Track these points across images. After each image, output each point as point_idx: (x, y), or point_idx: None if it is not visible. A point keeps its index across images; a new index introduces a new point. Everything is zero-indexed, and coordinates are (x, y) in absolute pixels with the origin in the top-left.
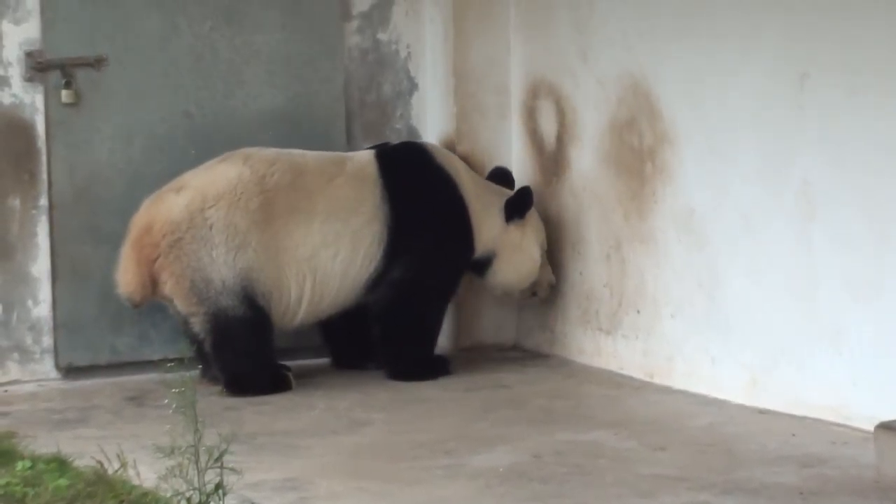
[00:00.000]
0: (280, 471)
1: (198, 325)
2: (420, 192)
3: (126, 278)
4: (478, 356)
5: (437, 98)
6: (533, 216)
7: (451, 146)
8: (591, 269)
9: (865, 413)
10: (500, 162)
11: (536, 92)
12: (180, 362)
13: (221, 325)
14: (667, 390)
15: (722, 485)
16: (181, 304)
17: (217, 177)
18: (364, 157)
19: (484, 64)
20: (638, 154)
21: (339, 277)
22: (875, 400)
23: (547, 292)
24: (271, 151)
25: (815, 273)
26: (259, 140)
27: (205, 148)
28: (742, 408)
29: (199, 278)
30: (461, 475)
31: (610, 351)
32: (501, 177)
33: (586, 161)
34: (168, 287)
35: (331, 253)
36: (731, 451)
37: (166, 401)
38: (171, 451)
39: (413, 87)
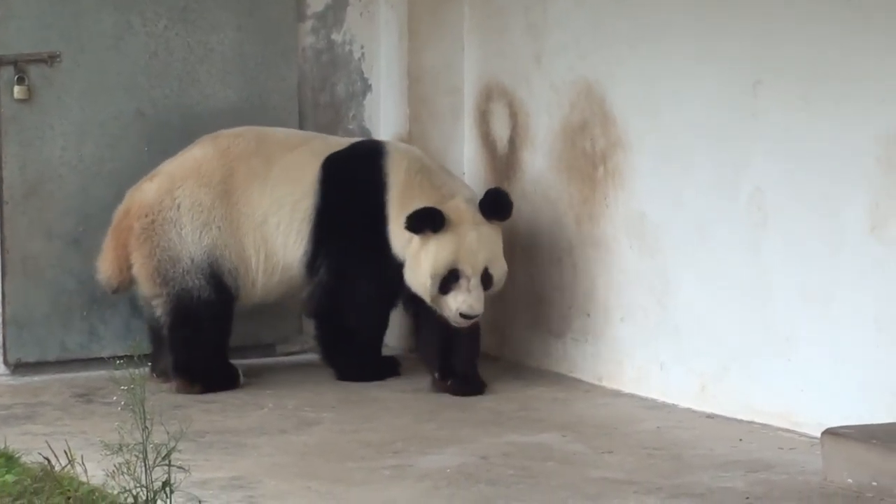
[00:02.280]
0: (228, 469)
1: (160, 307)
2: (344, 188)
3: (104, 264)
4: None
5: (390, 99)
6: (445, 239)
7: None
8: (542, 273)
9: (813, 419)
10: (452, 164)
11: (490, 95)
12: (130, 360)
13: (184, 306)
14: (616, 394)
15: (669, 489)
16: (146, 286)
17: (186, 159)
18: (332, 141)
19: (438, 66)
20: (590, 158)
21: (282, 249)
22: (822, 406)
23: (460, 322)
24: (244, 128)
25: (766, 280)
26: None
27: (158, 146)
28: (691, 412)
29: (167, 258)
30: (409, 476)
31: (559, 354)
32: (490, 200)
33: (538, 165)
34: (136, 269)
35: (275, 221)
36: (679, 456)
37: (115, 398)
38: (119, 449)
39: (366, 88)
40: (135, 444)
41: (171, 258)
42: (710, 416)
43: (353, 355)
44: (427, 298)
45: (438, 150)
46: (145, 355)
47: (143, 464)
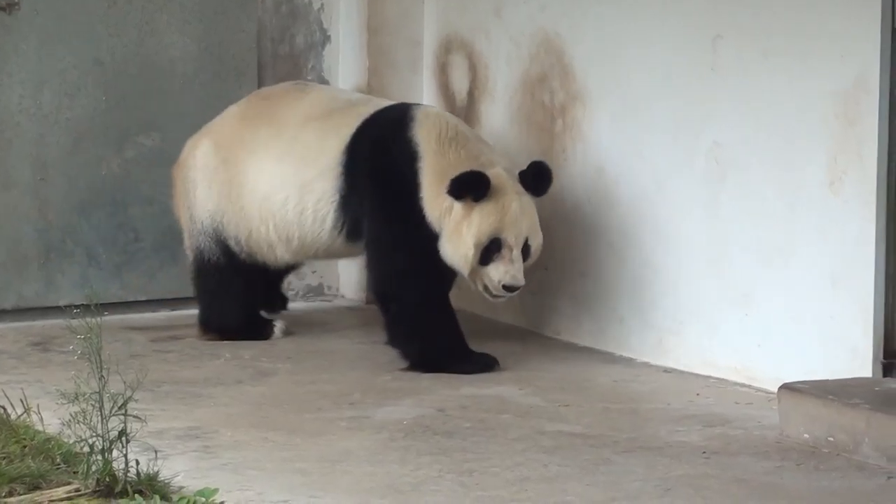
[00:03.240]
0: (184, 419)
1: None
2: (372, 161)
3: (177, 210)
4: None
5: (349, 51)
6: (489, 207)
7: None
8: None
9: (770, 374)
10: None
11: (449, 47)
12: (86, 309)
13: (198, 264)
14: (573, 347)
15: (625, 443)
16: (185, 239)
17: (222, 115)
18: (359, 112)
19: (397, 18)
20: (549, 111)
21: (297, 225)
22: (779, 361)
23: (502, 294)
24: (297, 86)
25: (724, 235)
26: (168, 89)
27: (116, 95)
28: (648, 366)
29: (189, 216)
30: (365, 427)
31: (517, 308)
32: (534, 172)
33: (497, 117)
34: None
35: (281, 198)
36: (636, 410)
37: (71, 347)
38: (75, 398)
39: (326, 39)
40: (91, 394)
41: (191, 216)
42: (668, 371)
43: (417, 338)
44: (466, 270)
45: (397, 101)
46: (102, 304)
47: (99, 413)
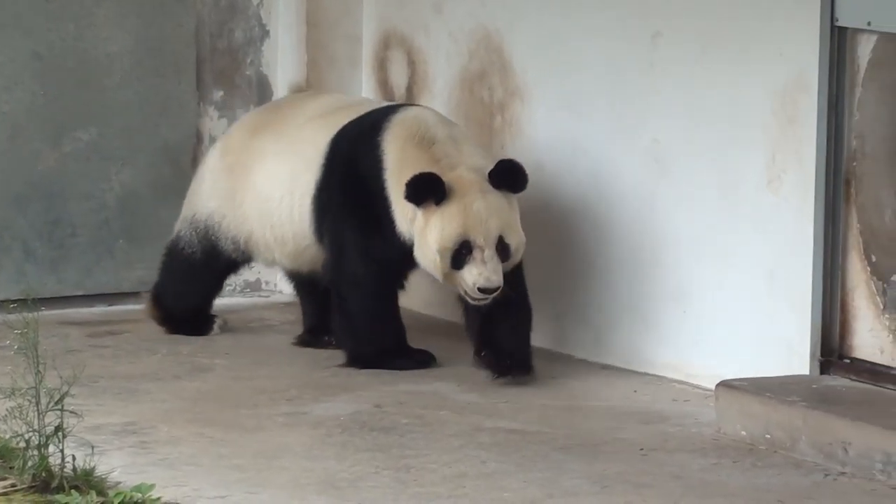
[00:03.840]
0: (121, 415)
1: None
2: (343, 165)
3: None
4: None
5: (288, 46)
6: (450, 209)
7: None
8: None
9: (707, 371)
10: None
11: (388, 42)
12: (23, 303)
13: (173, 247)
14: None
15: (563, 439)
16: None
17: (239, 119)
18: (355, 112)
19: (336, 13)
20: (488, 108)
21: (290, 223)
22: (717, 359)
23: (480, 297)
24: (308, 93)
25: (662, 232)
26: (106, 84)
27: (53, 89)
28: (585, 363)
29: (187, 200)
30: (302, 423)
31: (456, 304)
32: (501, 170)
33: None
34: None
35: (277, 196)
36: (574, 407)
37: (8, 342)
38: (11, 393)
39: (265, 34)
40: (27, 389)
41: (189, 202)
42: (605, 368)
43: (359, 340)
44: (439, 276)
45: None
46: (38, 299)
47: (35, 408)
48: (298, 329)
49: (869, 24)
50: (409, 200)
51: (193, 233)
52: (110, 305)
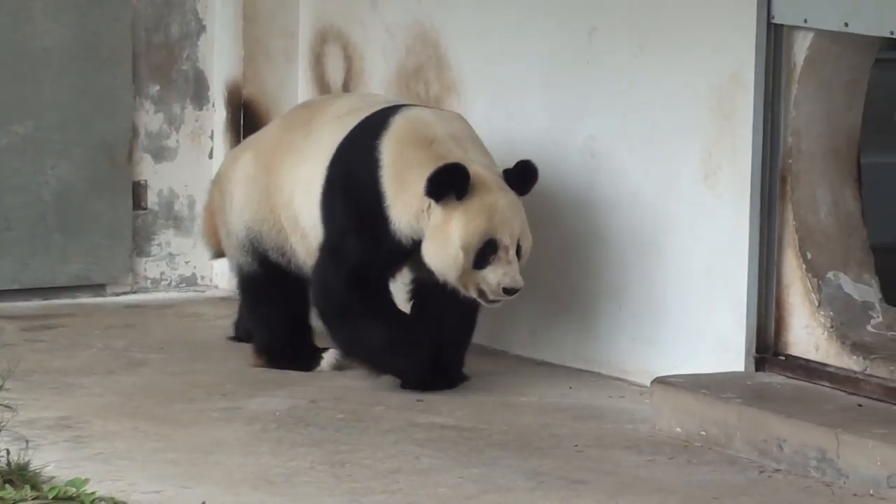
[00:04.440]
0: (56, 409)
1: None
2: (343, 166)
3: (203, 227)
4: None
5: (224, 40)
6: (474, 202)
7: (237, 90)
8: None
9: (643, 368)
10: (285, 107)
11: (325, 38)
12: None
13: (241, 281)
14: None
15: (498, 435)
16: (229, 260)
17: (267, 125)
18: (371, 110)
19: (273, 7)
20: (424, 103)
21: (310, 227)
22: (652, 355)
23: (501, 297)
24: (339, 93)
25: (598, 228)
26: (42, 77)
27: None
28: (521, 359)
29: (226, 231)
30: (238, 418)
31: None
32: (520, 171)
33: None
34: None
35: (300, 200)
36: (509, 403)
37: None
38: None
39: (201, 28)
40: None
41: (228, 232)
42: (541, 364)
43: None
44: (453, 274)
45: (271, 92)
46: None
47: None
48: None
49: (805, 21)
50: (429, 194)
51: (244, 253)
52: (45, 300)
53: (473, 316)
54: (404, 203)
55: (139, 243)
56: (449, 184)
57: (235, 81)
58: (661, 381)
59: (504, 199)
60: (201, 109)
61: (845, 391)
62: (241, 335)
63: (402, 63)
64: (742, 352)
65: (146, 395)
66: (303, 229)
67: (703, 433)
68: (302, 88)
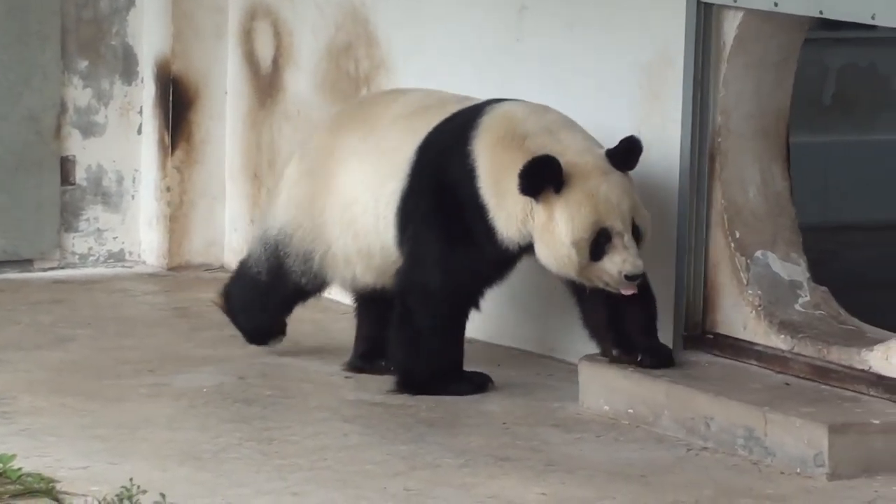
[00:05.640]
0: None
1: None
2: (430, 173)
3: None
4: (186, 276)
5: (153, 16)
6: (575, 193)
7: (166, 66)
8: None
9: (571, 346)
10: (215, 83)
11: (254, 13)
12: None
13: (242, 269)
14: None
15: (426, 412)
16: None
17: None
18: (444, 111)
19: None
20: (354, 80)
21: (375, 233)
22: (582, 333)
23: (626, 287)
24: (395, 90)
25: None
26: None
27: None
28: None
29: (261, 216)
30: (165, 394)
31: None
32: (624, 149)
33: (302, 85)
34: None
35: (361, 202)
36: None
37: None
38: None
39: (130, 3)
40: None
41: (261, 220)
42: (470, 341)
43: (417, 358)
44: (573, 272)
45: (201, 69)
46: None
47: None
48: (163, 300)
49: (735, 0)
50: (524, 193)
51: (262, 250)
52: None
53: (650, 292)
54: (508, 211)
55: (67, 219)
56: (542, 178)
57: (164, 57)
58: (589, 359)
59: (606, 183)
60: (130, 85)
61: (773, 370)
62: (358, 364)
63: (331, 40)
64: (670, 330)
65: (74, 370)
66: (357, 232)
67: (630, 411)
68: (231, 65)
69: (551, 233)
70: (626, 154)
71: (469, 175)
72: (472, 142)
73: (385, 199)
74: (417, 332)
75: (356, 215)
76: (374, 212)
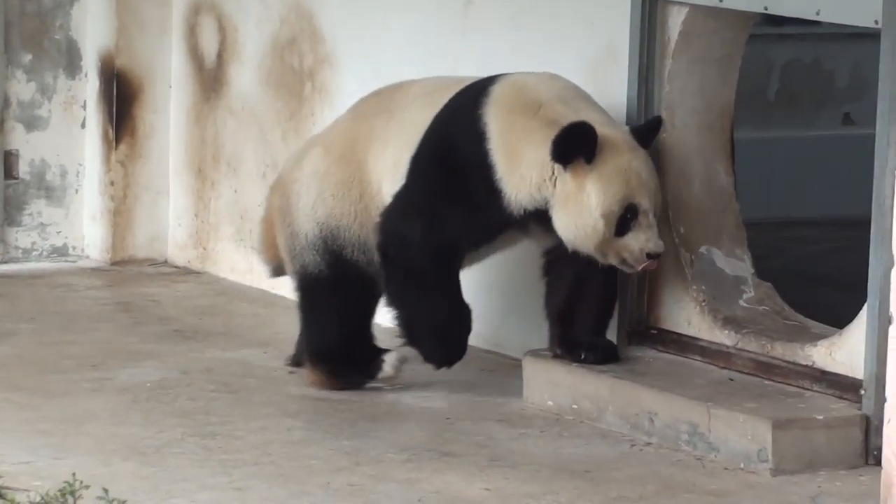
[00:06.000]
0: None
1: (293, 287)
2: (438, 141)
3: (260, 243)
4: (130, 270)
5: (97, 10)
6: (608, 165)
7: (110, 60)
8: (246, 188)
9: (516, 342)
10: (159, 78)
11: (198, 8)
12: None
13: (304, 286)
14: None
15: (370, 407)
16: (285, 265)
17: (332, 122)
18: (459, 85)
19: None
20: (298, 75)
21: None
22: (526, 329)
23: (644, 265)
24: (409, 79)
25: None
26: None
27: None
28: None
29: (290, 233)
30: (109, 389)
31: (262, 270)
32: (650, 128)
33: (246, 80)
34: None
35: (388, 185)
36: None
37: None
38: None
39: None
40: None
41: (292, 233)
42: None
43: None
44: (591, 245)
45: (145, 63)
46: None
47: None
48: (106, 294)
49: None
50: (557, 160)
51: (313, 253)
52: None
53: (615, 282)
54: (521, 175)
55: (10, 213)
56: (577, 146)
57: (108, 51)
58: (533, 355)
59: (637, 160)
60: (74, 79)
61: (717, 365)
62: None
63: (276, 34)
64: (615, 326)
65: (17, 365)
66: None
67: (574, 406)
68: (176, 59)
69: (579, 203)
70: (650, 132)
71: (478, 137)
72: (483, 107)
73: (401, 171)
74: (401, 286)
75: (385, 198)
76: (394, 186)
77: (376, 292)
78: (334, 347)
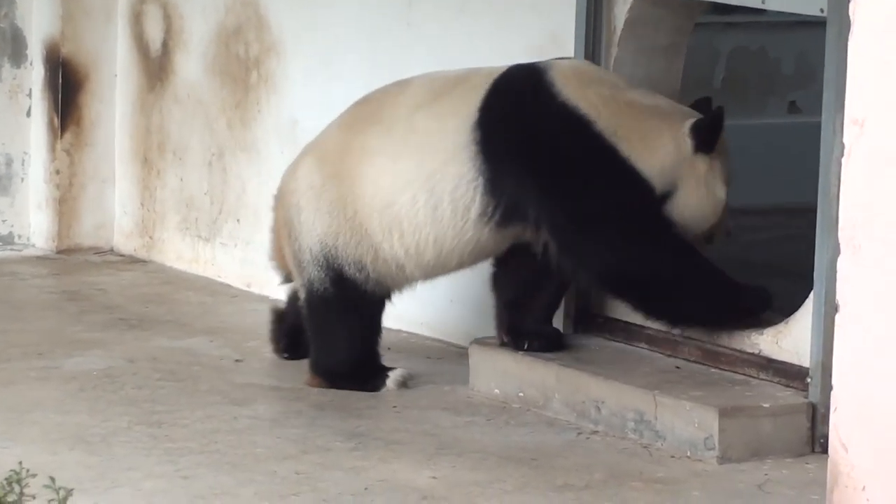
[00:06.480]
0: None
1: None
2: (532, 141)
3: (272, 250)
4: (76, 259)
5: None
6: (723, 147)
7: (56, 48)
8: (191, 177)
9: (462, 330)
10: (104, 66)
11: None
12: None
13: (310, 300)
14: (264, 300)
15: (317, 395)
16: (293, 276)
17: (325, 127)
18: (474, 85)
19: None
20: (244, 63)
21: (432, 225)
22: (471, 317)
23: (723, 240)
24: (395, 84)
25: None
26: None
27: None
28: None
29: (297, 247)
30: (54, 378)
31: (208, 258)
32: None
33: (192, 69)
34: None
35: (407, 199)
36: None
37: None
38: None
39: None
40: None
41: (299, 248)
42: None
43: (691, 301)
44: (712, 222)
45: (90, 51)
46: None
47: None
48: (52, 283)
49: None
50: (705, 147)
51: (318, 269)
52: None
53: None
54: (648, 152)
55: None
56: (718, 132)
57: (54, 39)
58: (479, 343)
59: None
60: (19, 67)
61: (663, 353)
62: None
63: (221, 23)
64: (561, 313)
65: None
66: (404, 232)
67: (521, 395)
68: (121, 47)
69: (707, 186)
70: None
71: (574, 117)
72: (563, 96)
73: (452, 185)
74: (677, 281)
75: (401, 214)
76: (429, 203)
77: (381, 309)
78: (339, 368)
